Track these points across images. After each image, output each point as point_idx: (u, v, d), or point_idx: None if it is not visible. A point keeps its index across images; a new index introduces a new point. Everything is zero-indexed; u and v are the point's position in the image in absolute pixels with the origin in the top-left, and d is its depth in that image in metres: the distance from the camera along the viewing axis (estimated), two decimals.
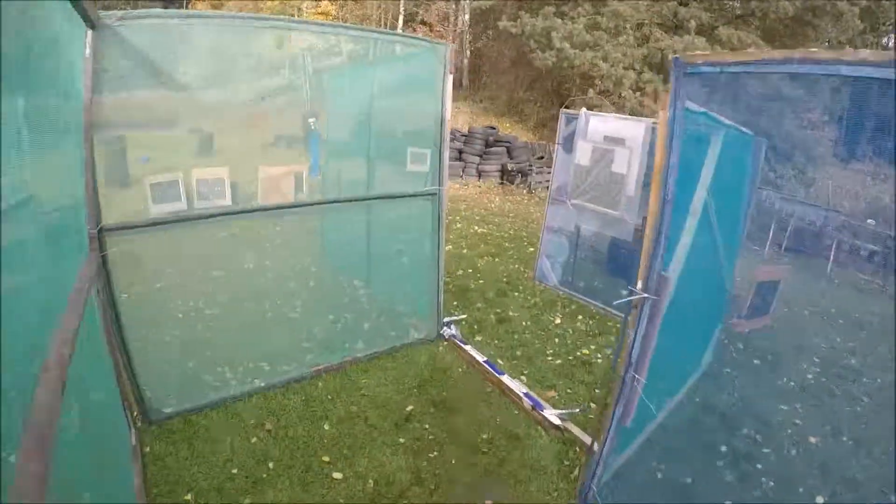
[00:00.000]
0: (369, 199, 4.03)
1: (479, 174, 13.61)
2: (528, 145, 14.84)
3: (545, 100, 18.79)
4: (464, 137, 14.36)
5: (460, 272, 6.46)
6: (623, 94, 15.52)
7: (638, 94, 15.68)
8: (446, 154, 4.07)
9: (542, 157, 13.86)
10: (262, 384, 3.68)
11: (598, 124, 5.39)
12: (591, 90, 15.74)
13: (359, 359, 4.10)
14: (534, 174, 13.16)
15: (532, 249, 7.72)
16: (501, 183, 13.45)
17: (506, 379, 3.89)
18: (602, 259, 5.89)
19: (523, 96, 19.28)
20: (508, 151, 14.01)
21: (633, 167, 5.13)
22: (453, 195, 11.80)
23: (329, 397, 3.65)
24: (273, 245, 3.88)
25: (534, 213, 10.89)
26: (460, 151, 13.95)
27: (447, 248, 7.47)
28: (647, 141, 5.06)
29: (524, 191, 12.96)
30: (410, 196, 4.06)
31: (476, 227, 8.92)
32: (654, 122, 5.12)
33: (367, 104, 4.15)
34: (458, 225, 8.97)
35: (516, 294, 5.84)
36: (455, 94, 17.52)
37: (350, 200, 3.99)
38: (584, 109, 5.49)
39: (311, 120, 3.92)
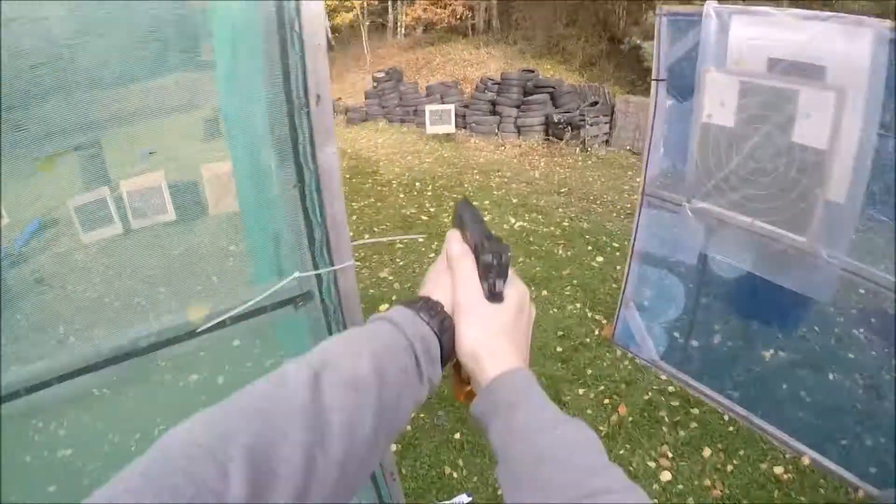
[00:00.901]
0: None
1: (519, 130, 10.55)
2: (576, 89, 11.50)
3: (591, 34, 15.27)
4: (496, 86, 11.39)
5: None
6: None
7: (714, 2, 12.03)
8: (337, 181, 1.19)
9: (595, 104, 10.52)
10: None
11: (751, 32, 2.38)
12: (649, 13, 12.18)
13: None
14: (587, 125, 9.90)
15: (601, 259, 4.79)
16: (547, 139, 10.32)
17: None
18: (751, 317, 2.94)
19: (564, 32, 15.87)
20: (552, 98, 10.85)
21: (844, 133, 2.14)
22: (484, 163, 8.86)
23: None
24: None
25: (594, 182, 7.83)
26: (493, 103, 10.97)
27: None
28: (885, 69, 2.04)
29: (576, 149, 9.79)
30: (216, 327, 1.22)
31: (512, 219, 6.00)
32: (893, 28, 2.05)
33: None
34: (487, 216, 6.08)
35: (581, 392, 3.00)
36: (485, 38, 13.75)
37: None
38: (711, 2, 2.47)
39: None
